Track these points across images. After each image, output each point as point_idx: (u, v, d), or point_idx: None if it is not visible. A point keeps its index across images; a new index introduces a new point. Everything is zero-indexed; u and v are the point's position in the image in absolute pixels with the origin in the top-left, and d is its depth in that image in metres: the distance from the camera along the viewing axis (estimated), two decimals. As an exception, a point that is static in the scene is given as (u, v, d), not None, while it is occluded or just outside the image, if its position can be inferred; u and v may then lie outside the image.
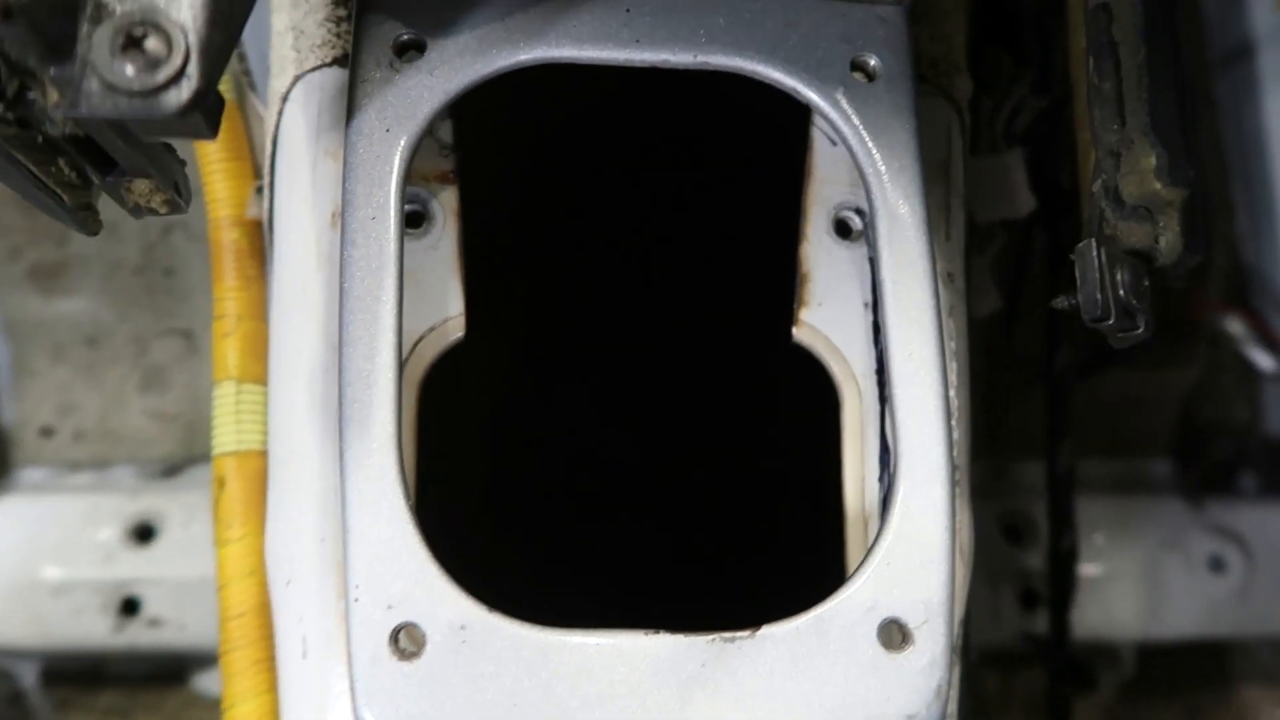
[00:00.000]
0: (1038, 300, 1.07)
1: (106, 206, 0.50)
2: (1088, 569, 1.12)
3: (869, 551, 0.54)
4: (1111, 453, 1.25)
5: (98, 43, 0.36)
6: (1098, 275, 0.50)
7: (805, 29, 0.60)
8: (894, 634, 0.53)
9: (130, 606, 1.02)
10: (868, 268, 0.64)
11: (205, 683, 1.08)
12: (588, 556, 0.62)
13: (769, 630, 0.52)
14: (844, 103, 0.60)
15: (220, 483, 0.72)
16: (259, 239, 0.76)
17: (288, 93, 0.65)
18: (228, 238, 0.75)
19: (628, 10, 0.59)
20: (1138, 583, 1.13)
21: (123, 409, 1.15)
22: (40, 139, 0.40)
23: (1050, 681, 1.07)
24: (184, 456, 1.14)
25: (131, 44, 0.36)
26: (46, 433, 1.15)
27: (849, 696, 0.51)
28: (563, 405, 0.71)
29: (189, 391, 1.15)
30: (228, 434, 0.73)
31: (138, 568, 1.03)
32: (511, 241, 0.68)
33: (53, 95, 0.37)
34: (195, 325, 1.17)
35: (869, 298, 0.64)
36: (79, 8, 0.36)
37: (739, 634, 0.52)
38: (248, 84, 0.78)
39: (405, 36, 0.57)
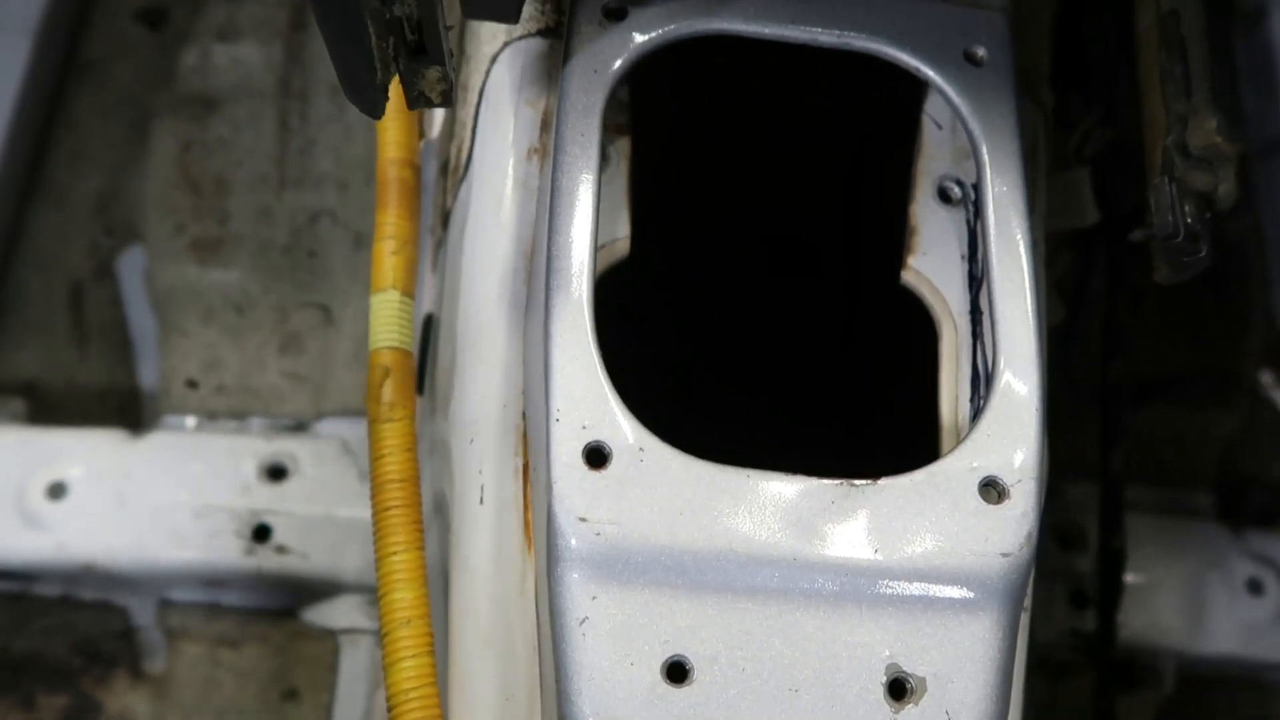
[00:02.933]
0: (1096, 318, 1.19)
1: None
2: (1134, 577, 1.20)
3: (973, 425, 0.65)
4: (1157, 483, 1.35)
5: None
6: (1169, 202, 0.62)
7: (927, 22, 0.74)
8: (992, 491, 0.63)
9: (261, 533, 1.13)
10: (964, 228, 0.77)
11: (314, 615, 1.18)
12: (737, 421, 0.73)
13: (888, 481, 0.63)
14: (959, 83, 0.73)
15: (384, 370, 0.80)
16: (418, 182, 0.88)
17: (497, 55, 0.80)
18: (399, 175, 0.87)
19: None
20: (1180, 594, 1.21)
21: (261, 369, 1.28)
22: (389, 15, 0.54)
23: (1096, 677, 1.14)
24: (313, 413, 1.27)
25: (488, -65, 0.50)
26: (192, 384, 1.28)
27: (955, 536, 0.62)
28: (712, 312, 0.84)
29: (321, 358, 1.29)
30: (391, 332, 0.80)
31: (270, 501, 1.15)
32: (670, 184, 0.81)
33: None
34: (333, 302, 1.31)
35: (965, 251, 0.77)
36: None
37: (863, 481, 0.63)
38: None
39: (612, 3, 0.72)
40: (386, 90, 0.62)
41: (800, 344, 0.85)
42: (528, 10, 0.81)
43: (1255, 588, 1.23)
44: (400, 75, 0.61)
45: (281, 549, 1.13)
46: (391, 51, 0.58)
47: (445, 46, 0.58)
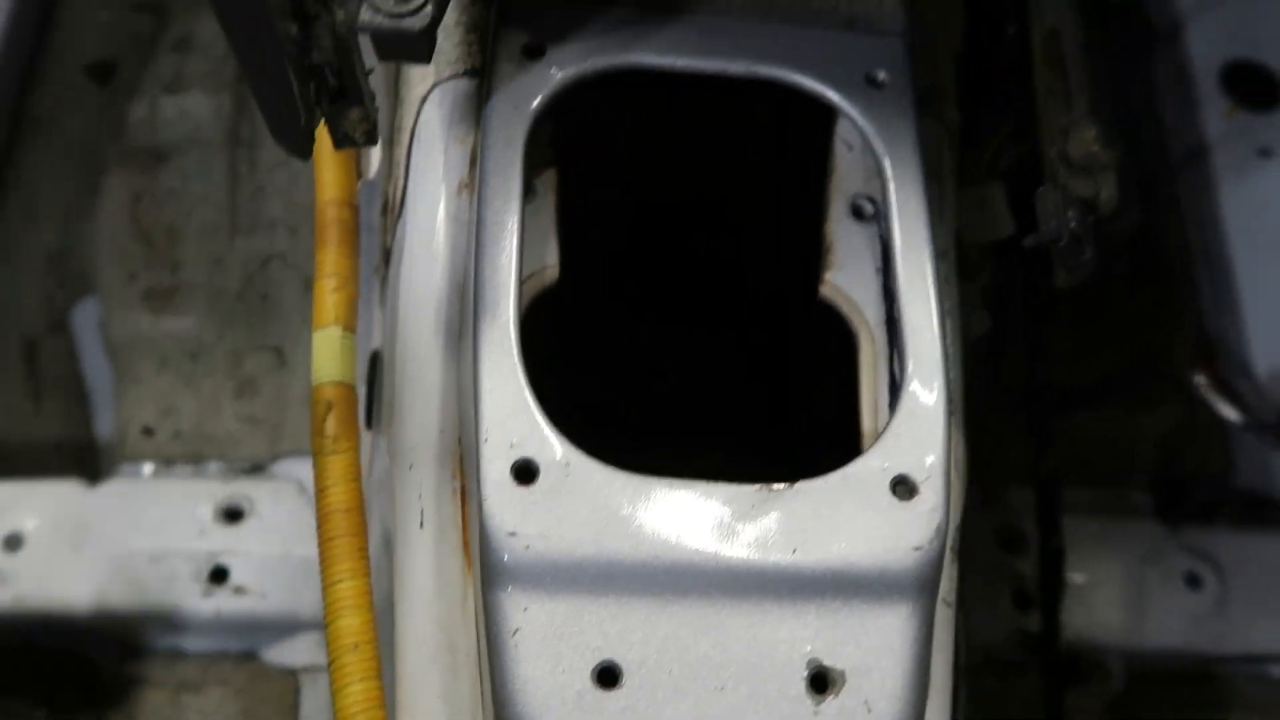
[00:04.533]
0: (1020, 325, 1.23)
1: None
2: (1075, 576, 1.24)
3: (883, 430, 0.69)
4: (1095, 484, 1.39)
5: (371, -17, 0.54)
6: (1053, 209, 0.67)
7: (831, 50, 0.79)
8: (903, 488, 0.67)
9: (219, 575, 1.14)
10: (878, 243, 0.81)
11: (274, 654, 1.19)
12: (670, 434, 0.76)
13: (804, 484, 0.66)
14: (862, 106, 0.78)
15: (327, 405, 0.82)
16: (357, 220, 0.91)
17: (426, 96, 0.84)
18: (337, 214, 0.90)
19: (695, 32, 0.77)
20: (1120, 591, 1.25)
21: (217, 413, 1.29)
22: (308, 62, 0.58)
23: (1043, 675, 1.18)
24: (269, 455, 1.28)
25: (393, -15, 0.54)
26: (148, 432, 1.29)
27: (869, 533, 0.65)
28: (634, 331, 0.87)
29: (276, 399, 1.31)
30: (332, 367, 0.82)
31: (227, 542, 1.16)
32: (596, 211, 0.85)
33: (339, 15, 0.54)
34: (285, 344, 1.33)
35: (879, 265, 0.81)
36: (359, -37, 0.54)
37: (781, 485, 0.66)
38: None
39: (531, 41, 0.75)
40: (313, 133, 0.65)
41: (726, 359, 0.88)
42: (455, 52, 0.85)
43: (1194, 581, 1.27)
44: (325, 118, 0.64)
45: (240, 590, 1.14)
46: (314, 96, 0.61)
47: (364, 89, 0.61)
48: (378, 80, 0.97)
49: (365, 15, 0.53)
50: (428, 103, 0.84)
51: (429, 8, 0.54)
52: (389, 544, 0.82)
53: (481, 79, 0.78)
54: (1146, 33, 1.80)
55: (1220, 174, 1.73)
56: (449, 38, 0.85)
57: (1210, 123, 1.76)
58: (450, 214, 0.80)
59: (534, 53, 0.75)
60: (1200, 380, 1.50)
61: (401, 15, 0.53)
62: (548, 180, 0.81)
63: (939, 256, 0.84)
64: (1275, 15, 1.85)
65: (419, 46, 0.54)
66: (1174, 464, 1.47)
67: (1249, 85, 1.78)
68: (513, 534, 0.63)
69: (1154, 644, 1.25)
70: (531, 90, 0.74)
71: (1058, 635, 1.18)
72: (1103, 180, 0.69)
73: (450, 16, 0.86)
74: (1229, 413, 1.52)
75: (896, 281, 0.74)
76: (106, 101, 1.52)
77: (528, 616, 0.62)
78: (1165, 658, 1.28)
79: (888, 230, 0.75)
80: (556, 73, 0.75)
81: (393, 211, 0.87)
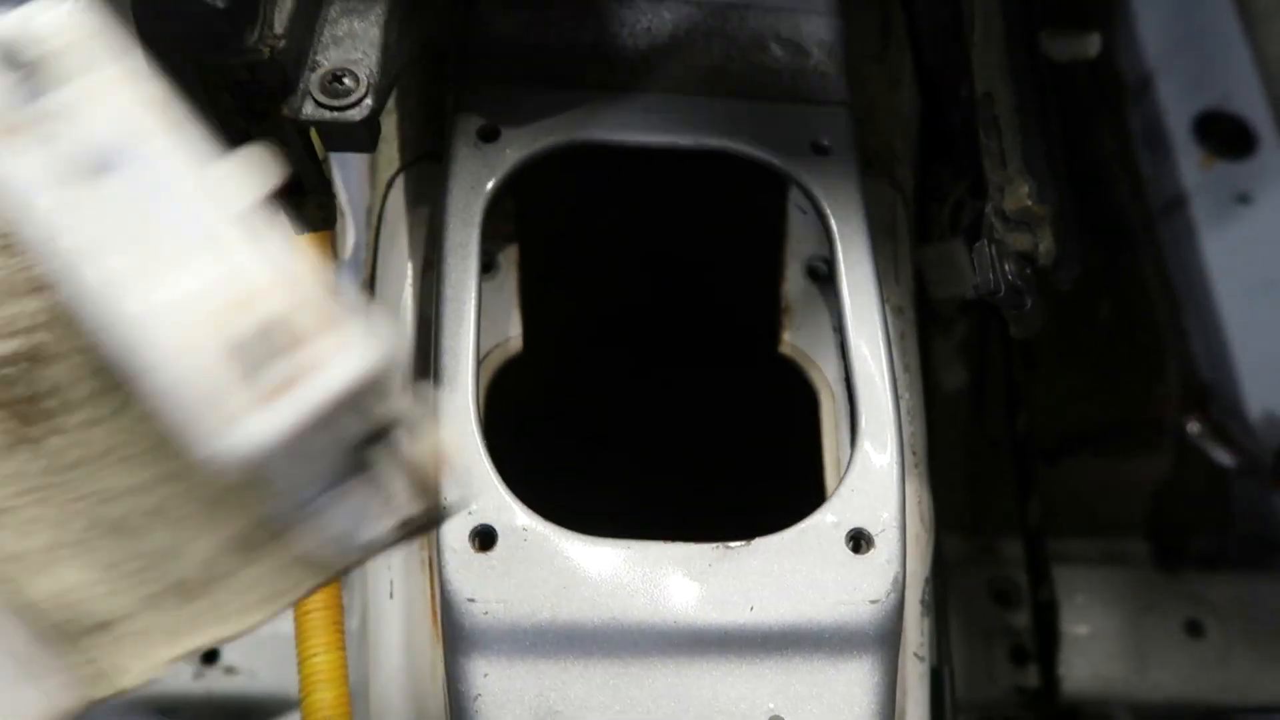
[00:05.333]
0: (996, 377, 1.24)
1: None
2: (1072, 628, 1.22)
3: (838, 486, 0.70)
4: (1089, 534, 1.38)
5: (314, 80, 0.57)
6: (989, 263, 0.69)
7: (777, 121, 0.82)
8: (859, 541, 0.67)
9: (210, 655, 1.15)
10: (834, 301, 0.83)
11: (269, 735, 1.18)
12: (635, 497, 0.77)
13: (760, 541, 0.67)
14: (808, 171, 0.80)
15: None
16: None
17: (392, 180, 0.88)
18: None
19: (644, 109, 0.81)
20: (1119, 642, 1.23)
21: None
22: (259, 155, 0.61)
23: (1044, 731, 1.16)
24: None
25: (335, 80, 0.57)
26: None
27: (826, 587, 0.66)
28: (605, 396, 0.89)
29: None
30: None
31: (219, 623, 1.17)
32: (558, 283, 0.87)
33: (283, 110, 0.58)
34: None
35: (836, 324, 0.83)
36: (304, 62, 0.58)
37: (738, 543, 0.67)
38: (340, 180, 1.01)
39: (486, 125, 0.79)
40: (272, 220, 0.68)
41: (690, 419, 0.90)
42: (418, 137, 0.89)
43: (1194, 629, 1.26)
44: (284, 205, 0.67)
45: (230, 669, 1.15)
46: (269, 188, 0.64)
47: (318, 176, 0.64)
48: (362, 164, 1.02)
49: (308, 109, 0.56)
50: (393, 186, 0.87)
51: (369, 99, 0.57)
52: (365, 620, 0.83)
53: (442, 162, 0.81)
54: (1117, 87, 1.84)
55: (1201, 222, 1.75)
56: (413, 123, 0.89)
57: (1187, 172, 1.79)
58: (416, 292, 0.83)
59: (489, 135, 0.79)
60: (1194, 426, 1.50)
61: (343, 108, 0.56)
62: (510, 255, 0.84)
63: (895, 313, 0.86)
64: (1242, 65, 1.89)
65: (362, 136, 0.57)
66: (1171, 511, 1.46)
67: (1222, 134, 1.81)
68: (472, 600, 0.64)
69: (1157, 695, 1.23)
70: (487, 172, 0.77)
71: (1056, 690, 1.17)
72: (1041, 233, 0.71)
73: (413, 102, 0.90)
74: (1223, 457, 1.51)
75: (848, 339, 0.75)
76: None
77: (488, 683, 0.63)
78: (1169, 709, 1.25)
79: (838, 290, 0.77)
80: (511, 154, 0.78)
81: (367, 290, 0.90)
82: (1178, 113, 1.85)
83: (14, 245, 0.35)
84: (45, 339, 0.35)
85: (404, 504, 0.38)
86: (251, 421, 0.33)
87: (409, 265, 0.84)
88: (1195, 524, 1.46)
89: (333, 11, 0.60)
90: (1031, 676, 1.20)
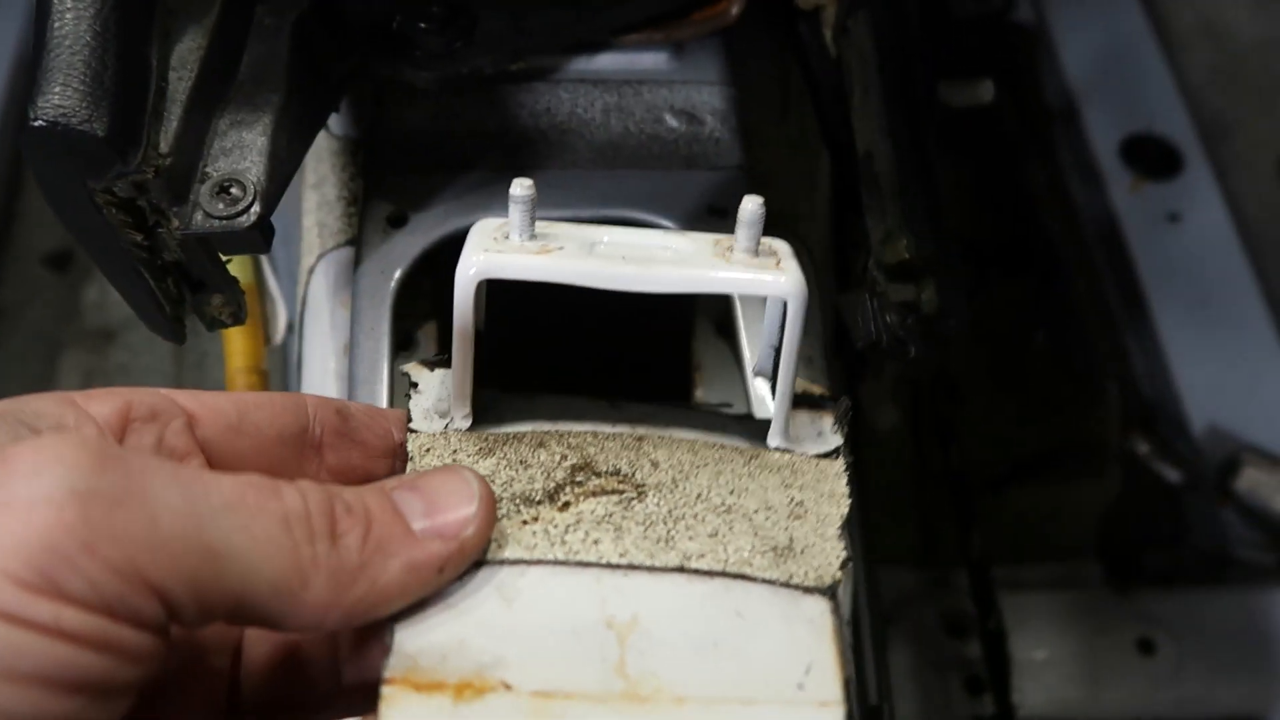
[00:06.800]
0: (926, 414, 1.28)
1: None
2: (1025, 653, 1.24)
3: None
4: (1041, 559, 1.40)
5: (203, 191, 0.60)
6: (870, 315, 0.72)
7: (673, 187, 0.85)
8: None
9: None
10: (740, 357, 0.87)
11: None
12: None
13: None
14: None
15: None
16: (265, 384, 0.99)
17: (313, 266, 0.91)
18: (246, 381, 0.98)
19: (548, 185, 0.84)
20: (1072, 665, 1.25)
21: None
22: (159, 262, 0.64)
23: (1002, 760, 1.17)
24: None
25: (223, 190, 0.60)
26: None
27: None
28: None
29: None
30: None
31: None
32: (481, 355, 0.90)
33: (174, 223, 0.61)
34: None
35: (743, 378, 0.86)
36: (194, 176, 0.61)
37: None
38: (270, 268, 1.05)
39: (394, 211, 0.82)
40: (182, 320, 0.71)
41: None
42: (338, 224, 0.93)
43: (1146, 648, 1.28)
44: (191, 306, 0.70)
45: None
46: (175, 289, 0.67)
47: (220, 277, 0.67)
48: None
49: (198, 220, 0.60)
50: (314, 273, 0.91)
51: (256, 206, 0.60)
52: None
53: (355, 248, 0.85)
54: (1044, 116, 1.90)
55: (1135, 243, 1.79)
56: (332, 212, 0.93)
57: (1117, 196, 1.84)
58: (338, 372, 0.86)
59: (397, 221, 0.82)
60: (1141, 446, 1.53)
61: (231, 216, 0.60)
62: (429, 331, 0.87)
63: (804, 363, 0.89)
64: (1164, 89, 1.95)
65: (254, 240, 0.61)
66: (1122, 531, 1.49)
67: (1149, 157, 1.87)
68: None
69: (1111, 715, 1.25)
70: (396, 257, 0.81)
71: (1011, 717, 1.18)
72: (923, 284, 0.74)
73: (333, 192, 0.94)
74: (1170, 474, 1.54)
75: (751, 394, 0.78)
76: (66, 287, 1.61)
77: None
78: (1127, 727, 1.27)
79: (738, 347, 0.80)
80: (417, 239, 0.81)
81: (295, 372, 0.93)
82: (1105, 139, 1.90)
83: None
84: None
85: None
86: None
87: (330, 347, 0.87)
88: (1147, 542, 1.48)
89: (222, 125, 0.63)
90: (987, 705, 1.22)
